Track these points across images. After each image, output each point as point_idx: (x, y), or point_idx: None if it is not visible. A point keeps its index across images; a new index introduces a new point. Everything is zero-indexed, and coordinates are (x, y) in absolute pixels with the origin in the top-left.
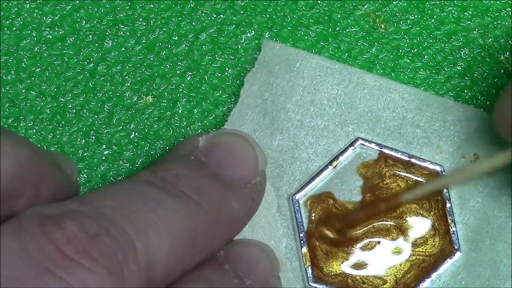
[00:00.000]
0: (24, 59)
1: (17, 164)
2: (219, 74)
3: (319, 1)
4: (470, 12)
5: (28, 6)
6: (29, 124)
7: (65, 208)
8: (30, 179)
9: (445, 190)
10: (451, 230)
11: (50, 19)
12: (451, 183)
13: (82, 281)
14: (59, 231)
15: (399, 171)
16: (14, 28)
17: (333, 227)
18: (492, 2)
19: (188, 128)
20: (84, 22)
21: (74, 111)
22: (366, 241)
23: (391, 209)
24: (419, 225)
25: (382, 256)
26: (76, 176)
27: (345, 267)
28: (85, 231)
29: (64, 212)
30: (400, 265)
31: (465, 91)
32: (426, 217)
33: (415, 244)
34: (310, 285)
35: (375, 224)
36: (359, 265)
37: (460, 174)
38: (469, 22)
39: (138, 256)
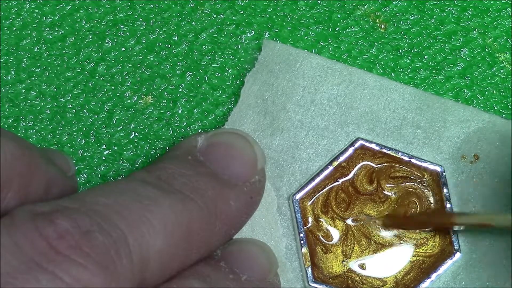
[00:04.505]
0: (24, 59)
1: (2, 156)
2: (219, 74)
3: (319, 1)
4: (470, 12)
5: (28, 6)
6: (29, 124)
7: (57, 205)
8: (18, 171)
9: (445, 190)
10: (451, 230)
11: (50, 19)
12: (505, 225)
13: (75, 276)
14: (51, 227)
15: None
16: (14, 28)
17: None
18: (492, 2)
19: (188, 128)
20: (84, 22)
21: (74, 111)
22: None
23: (442, 226)
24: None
25: (382, 257)
26: (73, 171)
27: (345, 268)
28: (77, 227)
29: (56, 208)
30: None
31: (465, 91)
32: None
33: (415, 245)
34: (310, 285)
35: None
36: (359, 266)
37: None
38: (469, 22)
39: (131, 251)
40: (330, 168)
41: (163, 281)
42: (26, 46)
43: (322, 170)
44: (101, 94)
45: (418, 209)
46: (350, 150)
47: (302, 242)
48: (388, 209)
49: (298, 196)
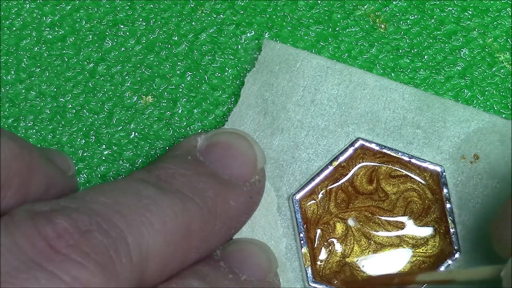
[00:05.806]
0: (24, 59)
1: (2, 156)
2: (219, 74)
3: (319, 1)
4: (470, 12)
5: (28, 6)
6: (29, 124)
7: (56, 205)
8: (17, 171)
9: (445, 190)
10: (451, 230)
11: (50, 19)
12: (468, 279)
13: (74, 275)
14: (50, 226)
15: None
16: (14, 28)
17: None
18: (492, 2)
19: (188, 128)
20: (84, 22)
21: (74, 111)
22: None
23: (403, 284)
24: (420, 231)
25: (382, 258)
26: (73, 171)
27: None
28: (77, 227)
29: (56, 208)
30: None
31: (465, 91)
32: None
33: (415, 245)
34: (310, 285)
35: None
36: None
37: (476, 273)
38: (469, 22)
39: (130, 251)
40: (330, 168)
41: (163, 281)
42: (26, 46)
43: (322, 170)
44: (101, 94)
45: (418, 209)
46: (350, 150)
47: (302, 242)
48: (388, 207)
49: (298, 196)
